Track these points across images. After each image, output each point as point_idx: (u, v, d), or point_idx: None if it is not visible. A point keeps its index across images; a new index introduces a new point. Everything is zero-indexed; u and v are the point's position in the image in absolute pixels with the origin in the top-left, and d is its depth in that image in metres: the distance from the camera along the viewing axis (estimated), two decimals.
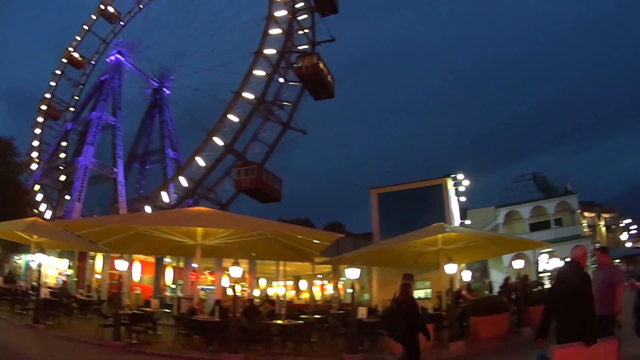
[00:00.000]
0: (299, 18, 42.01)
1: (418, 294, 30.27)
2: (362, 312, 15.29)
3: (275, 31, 41.07)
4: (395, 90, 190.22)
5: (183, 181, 39.90)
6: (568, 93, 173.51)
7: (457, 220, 38.79)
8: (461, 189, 40.03)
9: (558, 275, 7.13)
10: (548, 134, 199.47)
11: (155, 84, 56.05)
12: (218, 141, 38.58)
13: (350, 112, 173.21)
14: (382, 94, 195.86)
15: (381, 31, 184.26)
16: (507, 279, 23.18)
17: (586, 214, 60.67)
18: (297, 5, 41.94)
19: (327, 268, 32.02)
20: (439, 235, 15.81)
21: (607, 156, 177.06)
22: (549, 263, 46.91)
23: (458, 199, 40.87)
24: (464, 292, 19.64)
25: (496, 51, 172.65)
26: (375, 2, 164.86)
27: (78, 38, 58.33)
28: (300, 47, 41.17)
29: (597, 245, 52.84)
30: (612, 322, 8.13)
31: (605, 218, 70.16)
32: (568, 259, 7.15)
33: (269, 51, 40.25)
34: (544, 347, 6.43)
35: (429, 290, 30.44)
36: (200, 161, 39.23)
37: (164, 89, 56.41)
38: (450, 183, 37.54)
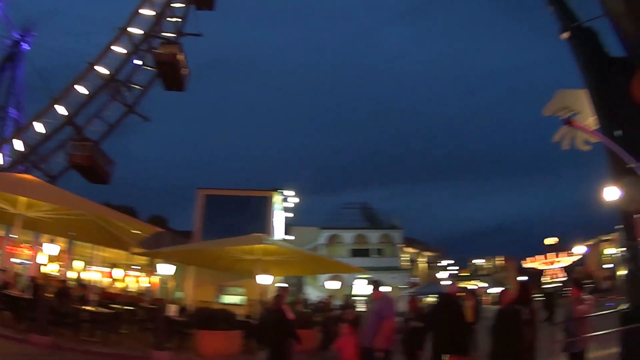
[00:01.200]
0: (174, 5, 41.24)
1: (232, 299, 31.35)
2: (172, 310, 15.56)
3: (146, 12, 39.93)
4: (249, 99, 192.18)
5: (18, 145, 37.20)
6: (417, 139, 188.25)
7: (280, 234, 40.55)
8: (288, 205, 41.99)
9: (438, 304, 9.01)
10: (389, 171, 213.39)
11: (17, 36, 51.05)
12: (61, 110, 36.72)
13: (198, 110, 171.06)
14: (235, 99, 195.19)
15: (249, 39, 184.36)
16: (326, 297, 25.40)
17: (408, 249, 65.69)
18: None
19: (145, 260, 31.69)
20: (258, 246, 16.72)
21: (438, 203, 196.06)
22: (365, 288, 51.11)
23: (284, 214, 42.84)
24: None
25: (361, 88, 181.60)
26: (252, 11, 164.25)
27: None
28: (165, 34, 40.53)
29: (415, 279, 58.85)
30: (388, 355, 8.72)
31: (427, 256, 76.46)
32: (444, 291, 9.34)
33: (134, 30, 39.17)
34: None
35: (243, 297, 31.63)
36: (39, 127, 36.96)
37: (24, 43, 51.50)
38: (277, 197, 39.04)
